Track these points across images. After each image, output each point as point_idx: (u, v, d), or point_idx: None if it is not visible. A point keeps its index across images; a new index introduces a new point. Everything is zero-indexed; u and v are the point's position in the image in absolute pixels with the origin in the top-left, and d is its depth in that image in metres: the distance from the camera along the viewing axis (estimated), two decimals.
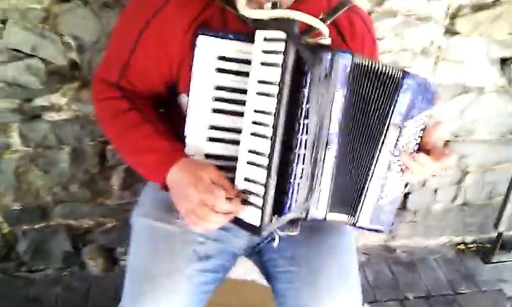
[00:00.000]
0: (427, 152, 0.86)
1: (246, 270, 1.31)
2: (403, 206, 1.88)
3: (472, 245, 2.07)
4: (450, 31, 1.49)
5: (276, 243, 0.95)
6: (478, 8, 1.45)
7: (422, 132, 0.86)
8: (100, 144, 1.44)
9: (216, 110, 0.83)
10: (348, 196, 0.88)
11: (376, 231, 0.91)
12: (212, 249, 0.95)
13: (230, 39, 0.80)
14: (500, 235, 1.92)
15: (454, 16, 1.46)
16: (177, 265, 0.90)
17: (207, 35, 0.80)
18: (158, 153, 0.84)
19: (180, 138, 0.85)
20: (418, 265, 1.92)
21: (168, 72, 0.88)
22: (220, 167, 0.82)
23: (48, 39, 1.24)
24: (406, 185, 0.91)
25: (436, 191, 1.89)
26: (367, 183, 0.87)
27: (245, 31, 0.80)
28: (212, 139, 0.83)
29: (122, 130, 0.89)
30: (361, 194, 0.88)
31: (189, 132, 0.84)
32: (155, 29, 0.85)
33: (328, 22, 0.88)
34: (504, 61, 1.60)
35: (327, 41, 0.77)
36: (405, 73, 0.81)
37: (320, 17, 0.87)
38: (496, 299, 1.79)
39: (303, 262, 0.94)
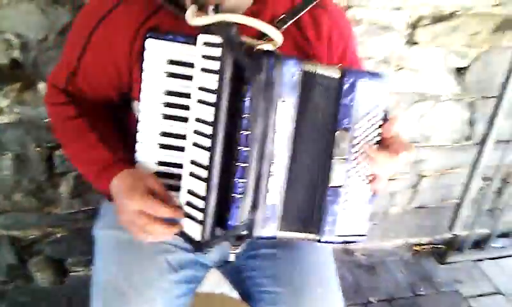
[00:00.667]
0: (386, 148, 0.81)
1: (213, 283, 1.28)
2: None
3: (427, 247, 2.14)
4: (410, 41, 1.51)
5: (232, 258, 0.92)
6: (437, 19, 1.49)
7: (379, 128, 0.81)
8: (47, 150, 1.35)
9: (166, 116, 0.79)
10: (305, 211, 0.82)
11: (347, 242, 0.87)
12: (184, 259, 0.92)
13: (180, 42, 0.76)
14: (454, 236, 1.99)
15: (414, 27, 1.48)
16: (150, 277, 0.85)
17: (156, 38, 0.76)
18: (99, 164, 0.82)
19: (132, 145, 0.81)
20: (378, 268, 1.96)
21: (117, 78, 0.85)
22: (173, 176, 0.79)
23: None
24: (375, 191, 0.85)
25: (393, 195, 1.93)
26: (325, 196, 0.81)
27: (197, 33, 0.75)
28: (163, 146, 0.79)
29: (68, 137, 0.88)
30: (320, 207, 0.82)
31: (141, 138, 0.80)
32: (103, 32, 0.82)
33: (289, 23, 0.85)
34: (459, 70, 1.65)
35: (269, 46, 0.74)
36: (345, 72, 0.77)
37: (281, 18, 0.85)
38: (453, 300, 1.85)
39: (286, 281, 0.91)
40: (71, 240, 1.54)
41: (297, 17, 0.86)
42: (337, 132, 0.79)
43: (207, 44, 0.72)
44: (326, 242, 0.84)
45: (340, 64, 0.85)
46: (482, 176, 1.83)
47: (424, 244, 2.13)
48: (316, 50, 0.89)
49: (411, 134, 1.75)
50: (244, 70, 0.70)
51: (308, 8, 0.88)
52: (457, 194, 1.95)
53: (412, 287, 1.89)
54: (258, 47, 0.73)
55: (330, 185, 0.81)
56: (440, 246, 2.13)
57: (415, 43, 1.53)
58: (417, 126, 1.73)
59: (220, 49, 0.69)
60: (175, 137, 0.79)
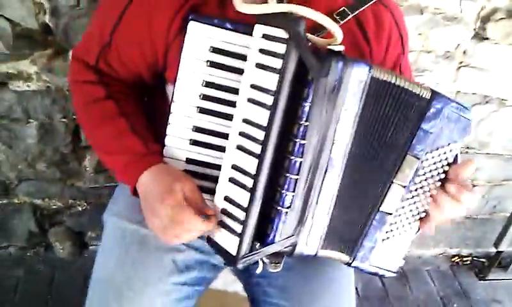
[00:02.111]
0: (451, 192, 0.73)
1: (226, 282, 1.24)
2: None
3: (467, 259, 2.03)
4: (479, 36, 1.38)
5: (259, 269, 0.86)
6: None
7: (447, 166, 0.73)
8: (73, 122, 1.32)
9: (203, 110, 0.74)
10: (347, 232, 0.77)
11: (377, 275, 0.81)
12: (193, 259, 0.87)
13: (227, 29, 0.70)
14: (499, 252, 1.88)
15: (485, 20, 1.34)
16: (151, 277, 0.81)
17: (200, 22, 0.70)
18: (129, 155, 0.76)
19: (162, 135, 0.76)
20: (410, 277, 1.87)
21: (152, 56, 0.79)
22: (202, 176, 0.74)
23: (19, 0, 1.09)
24: (419, 229, 0.78)
25: None
26: (371, 219, 0.75)
27: (247, 20, 0.69)
28: (195, 143, 0.75)
29: (95, 121, 0.81)
30: (363, 231, 0.76)
31: (171, 131, 0.75)
32: (140, 4, 0.75)
33: (350, 16, 0.78)
34: None
35: (339, 47, 0.65)
36: (434, 94, 0.69)
37: (341, 10, 0.77)
38: None
39: (294, 296, 0.86)
40: (93, 214, 1.54)
41: (359, 11, 0.78)
42: (407, 156, 0.71)
43: (266, 37, 0.64)
44: (356, 267, 0.79)
45: (423, 83, 0.76)
46: None
47: (464, 256, 2.03)
48: (374, 50, 0.82)
49: (466, 139, 1.61)
50: (308, 72, 0.63)
51: (372, 3, 0.80)
52: (508, 208, 1.84)
53: (444, 301, 1.81)
54: (328, 46, 0.65)
55: (381, 209, 0.74)
56: (481, 260, 2.02)
57: (485, 39, 1.39)
58: (474, 130, 1.61)
59: (283, 46, 0.62)
60: (209, 134, 0.75)
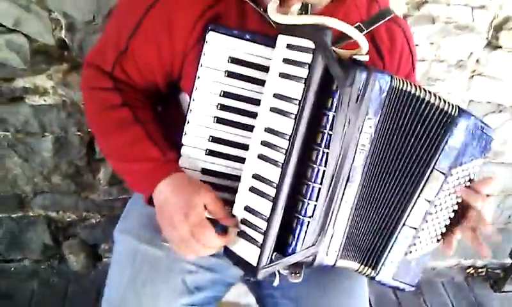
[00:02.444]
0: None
1: (239, 294, 1.23)
2: None
3: (482, 271, 2.00)
4: (492, 45, 1.37)
5: (276, 282, 0.86)
6: None
7: (469, 182, 0.75)
8: (88, 135, 1.34)
9: (220, 120, 0.74)
10: (367, 243, 0.76)
11: (398, 289, 0.80)
12: (204, 280, 0.86)
13: (246, 40, 0.71)
14: None
15: (498, 29, 1.34)
16: (161, 299, 0.81)
17: (220, 32, 0.70)
18: (147, 162, 0.75)
19: (176, 144, 0.76)
20: (425, 289, 1.85)
21: (170, 63, 0.79)
22: (218, 187, 0.74)
23: (33, 14, 1.11)
24: (438, 240, 0.79)
25: None
26: (396, 233, 0.75)
27: (265, 31, 0.70)
28: (212, 153, 0.75)
29: (110, 128, 0.80)
30: (387, 244, 0.76)
31: (187, 141, 0.76)
32: (161, 10, 0.76)
33: (365, 32, 0.79)
34: None
35: (364, 57, 0.66)
36: (461, 111, 0.70)
37: (357, 25, 0.79)
38: None
39: None
40: (106, 226, 1.55)
41: (374, 27, 0.80)
42: (434, 171, 0.72)
43: (291, 47, 0.65)
44: (379, 281, 0.78)
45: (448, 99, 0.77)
46: None
47: (478, 268, 1.99)
48: (387, 65, 0.83)
49: None
50: (332, 81, 0.63)
51: (386, 20, 0.82)
52: None
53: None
54: (354, 56, 0.66)
55: (406, 223, 0.74)
56: (496, 272, 1.98)
57: (498, 47, 1.38)
58: None
59: (310, 55, 0.63)
60: (226, 144, 0.75)
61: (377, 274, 0.77)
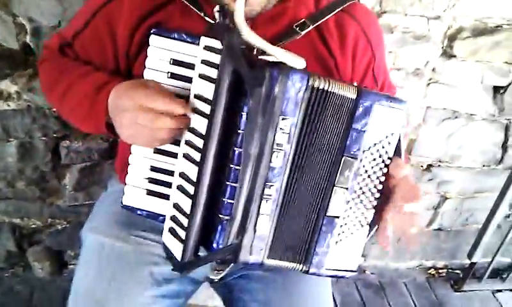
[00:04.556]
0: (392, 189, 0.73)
1: (207, 296, 1.24)
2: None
3: (442, 271, 2.07)
4: (447, 53, 1.43)
5: (215, 279, 0.88)
6: (478, 33, 1.40)
7: (388, 160, 0.73)
8: (53, 140, 1.32)
9: None
10: (297, 239, 0.75)
11: (337, 276, 0.80)
12: (171, 272, 0.85)
13: (186, 42, 0.71)
14: (473, 264, 1.91)
15: (452, 39, 1.40)
16: (129, 291, 0.81)
17: (161, 35, 0.71)
18: (94, 85, 0.76)
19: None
20: (387, 289, 1.90)
21: (114, 65, 0.82)
22: (164, 183, 0.75)
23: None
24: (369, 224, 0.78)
25: (411, 214, 1.85)
26: (319, 225, 0.74)
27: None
28: (157, 151, 0.75)
29: (59, 73, 0.83)
30: (313, 237, 0.75)
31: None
32: (107, 14, 0.79)
33: (311, 28, 0.80)
34: (497, 90, 1.56)
35: (271, 58, 0.65)
36: (361, 93, 0.69)
37: (301, 21, 0.80)
38: None
39: None
40: (72, 232, 1.52)
41: (319, 23, 0.80)
42: (343, 158, 0.71)
43: (207, 48, 0.66)
44: (313, 273, 0.77)
45: (355, 83, 0.78)
46: (510, 202, 1.75)
47: (439, 268, 2.06)
48: (338, 61, 0.83)
49: (437, 153, 1.67)
50: (244, 81, 0.64)
51: (333, 14, 0.82)
52: (480, 220, 1.87)
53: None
54: (262, 57, 0.66)
55: (327, 214, 0.74)
56: (456, 272, 2.06)
57: (452, 56, 1.44)
58: (445, 144, 1.66)
59: (219, 56, 0.64)
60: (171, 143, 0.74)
61: (309, 268, 0.77)
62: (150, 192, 0.75)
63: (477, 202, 1.87)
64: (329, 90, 0.67)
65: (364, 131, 0.71)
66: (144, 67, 0.72)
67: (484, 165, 1.76)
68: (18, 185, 1.37)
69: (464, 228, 1.96)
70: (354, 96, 0.69)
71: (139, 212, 0.77)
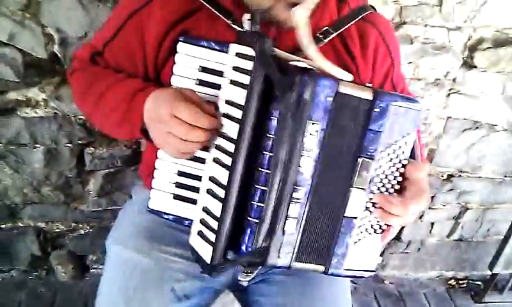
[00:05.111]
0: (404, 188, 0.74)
1: (225, 302, 1.24)
2: (396, 237, 1.82)
3: (463, 282, 2.02)
4: (468, 64, 1.42)
5: (244, 283, 0.87)
6: (499, 44, 1.38)
7: (405, 160, 0.73)
8: (78, 147, 1.34)
9: None
10: (319, 242, 0.75)
11: (355, 277, 0.79)
12: (192, 287, 0.87)
13: (214, 49, 0.71)
14: (494, 275, 1.87)
15: (473, 50, 1.38)
16: (151, 306, 0.82)
17: (189, 43, 0.72)
18: (129, 92, 0.77)
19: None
20: (407, 299, 1.86)
21: (143, 72, 0.84)
22: (191, 188, 0.75)
23: (27, 29, 1.13)
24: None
25: (432, 224, 1.83)
26: (338, 226, 0.74)
27: (232, 40, 0.71)
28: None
29: (92, 81, 0.84)
30: (333, 238, 0.74)
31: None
32: (136, 22, 0.81)
33: (334, 35, 0.81)
34: None
35: (303, 64, 0.66)
36: (377, 94, 0.69)
37: (325, 29, 0.81)
38: None
39: None
40: (95, 237, 1.54)
41: (341, 30, 0.81)
42: (361, 159, 0.71)
43: (239, 55, 0.67)
44: (332, 274, 0.77)
45: (370, 84, 0.78)
46: None
47: (460, 279, 2.02)
48: (360, 67, 0.84)
49: (458, 163, 1.64)
50: (274, 87, 0.64)
51: (354, 22, 0.83)
52: (502, 230, 1.83)
53: None
54: (293, 63, 0.67)
55: (346, 215, 0.73)
56: (477, 283, 2.01)
57: (473, 67, 1.42)
58: (465, 155, 1.63)
59: (251, 63, 0.64)
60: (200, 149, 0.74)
61: (328, 269, 0.76)
62: (177, 197, 0.76)
63: (499, 213, 1.84)
64: (348, 93, 0.68)
65: (381, 131, 0.70)
66: (172, 74, 0.72)
67: (505, 176, 1.72)
68: (43, 190, 1.40)
69: (485, 239, 1.93)
70: (370, 97, 0.69)
71: (165, 216, 0.77)
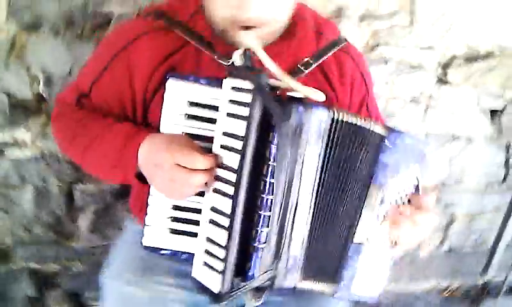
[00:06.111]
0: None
1: None
2: None
3: (458, 292, 1.94)
4: (442, 81, 1.39)
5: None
6: (471, 59, 1.36)
7: (410, 193, 0.75)
8: (67, 184, 1.28)
9: None
10: (325, 263, 0.76)
11: (359, 302, 0.80)
12: None
13: (201, 84, 0.70)
14: (488, 281, 1.80)
15: (446, 66, 1.36)
16: None
17: (177, 79, 0.70)
18: (122, 136, 0.74)
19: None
20: None
21: (131, 109, 0.80)
22: (187, 221, 0.73)
23: (12, 71, 1.10)
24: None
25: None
26: (347, 249, 0.75)
27: (218, 75, 0.70)
28: None
29: (81, 127, 0.80)
30: (341, 262, 0.76)
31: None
32: (123, 59, 0.78)
33: (314, 66, 0.81)
34: (493, 112, 1.50)
35: (298, 94, 0.67)
36: (390, 131, 0.72)
37: (306, 60, 0.80)
38: None
39: None
40: (89, 274, 1.45)
41: (321, 60, 0.81)
42: (372, 187, 0.72)
43: (235, 89, 0.66)
44: (339, 298, 0.79)
45: (370, 119, 0.78)
46: None
47: (454, 289, 1.94)
48: (338, 94, 0.84)
49: (441, 177, 1.60)
50: (272, 117, 0.64)
51: (333, 52, 0.83)
52: (489, 238, 1.77)
53: None
54: (288, 93, 0.67)
55: (354, 241, 0.74)
56: (471, 291, 1.93)
57: (447, 83, 1.40)
58: (447, 168, 1.58)
59: (249, 95, 0.64)
60: None
61: (336, 292, 0.78)
62: (174, 231, 0.73)
63: (485, 223, 1.78)
64: (352, 122, 0.70)
65: (390, 164, 0.72)
66: (161, 110, 0.70)
67: (487, 186, 1.67)
68: (35, 230, 1.33)
69: (475, 248, 1.86)
70: (383, 132, 0.71)
71: (161, 252, 0.74)
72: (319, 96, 0.65)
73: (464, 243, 1.84)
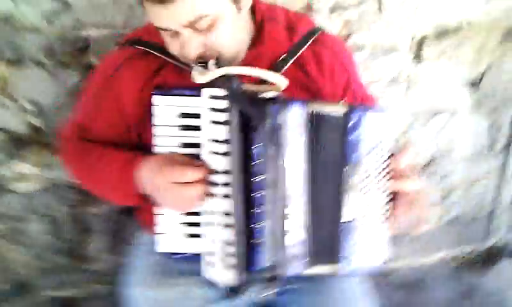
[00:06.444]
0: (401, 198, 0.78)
1: None
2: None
3: (467, 258, 1.94)
4: (418, 58, 1.41)
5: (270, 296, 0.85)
6: (442, 36, 1.38)
7: (389, 159, 0.77)
8: (77, 209, 1.31)
9: None
10: (324, 246, 0.79)
11: (366, 272, 0.83)
12: None
13: (186, 95, 0.74)
14: (494, 243, 1.81)
15: (419, 45, 1.39)
16: None
17: (162, 94, 0.74)
18: (119, 163, 0.80)
19: None
20: (420, 286, 1.78)
21: (126, 134, 0.84)
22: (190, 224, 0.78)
23: (3, 107, 1.12)
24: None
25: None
26: (339, 230, 0.78)
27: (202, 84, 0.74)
28: None
29: (84, 156, 0.86)
30: (337, 242, 0.79)
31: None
32: (109, 91, 0.82)
33: (290, 63, 0.82)
34: (472, 82, 1.52)
35: (271, 93, 0.71)
36: (349, 108, 0.74)
37: (282, 58, 0.82)
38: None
39: None
40: (108, 295, 1.47)
41: (297, 55, 0.83)
42: (346, 168, 0.76)
43: (213, 97, 0.70)
44: (344, 274, 0.82)
45: (343, 101, 0.84)
46: None
47: (465, 255, 1.94)
48: (320, 85, 0.85)
49: (431, 151, 1.62)
50: (251, 119, 0.69)
51: (308, 45, 0.85)
52: (489, 202, 1.78)
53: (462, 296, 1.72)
54: (262, 94, 0.71)
55: (342, 220, 0.78)
56: (482, 255, 1.92)
57: (423, 60, 1.42)
58: (436, 141, 1.60)
59: (226, 101, 0.68)
60: None
61: (342, 268, 0.80)
62: (186, 235, 0.77)
63: (482, 188, 1.78)
64: (323, 112, 0.73)
65: (359, 140, 0.75)
66: (154, 126, 0.74)
67: (479, 154, 1.69)
68: (52, 259, 1.36)
69: (477, 213, 1.85)
70: (344, 112, 0.74)
71: (175, 256, 0.78)
72: (282, 81, 0.70)
73: (465, 210, 1.84)
